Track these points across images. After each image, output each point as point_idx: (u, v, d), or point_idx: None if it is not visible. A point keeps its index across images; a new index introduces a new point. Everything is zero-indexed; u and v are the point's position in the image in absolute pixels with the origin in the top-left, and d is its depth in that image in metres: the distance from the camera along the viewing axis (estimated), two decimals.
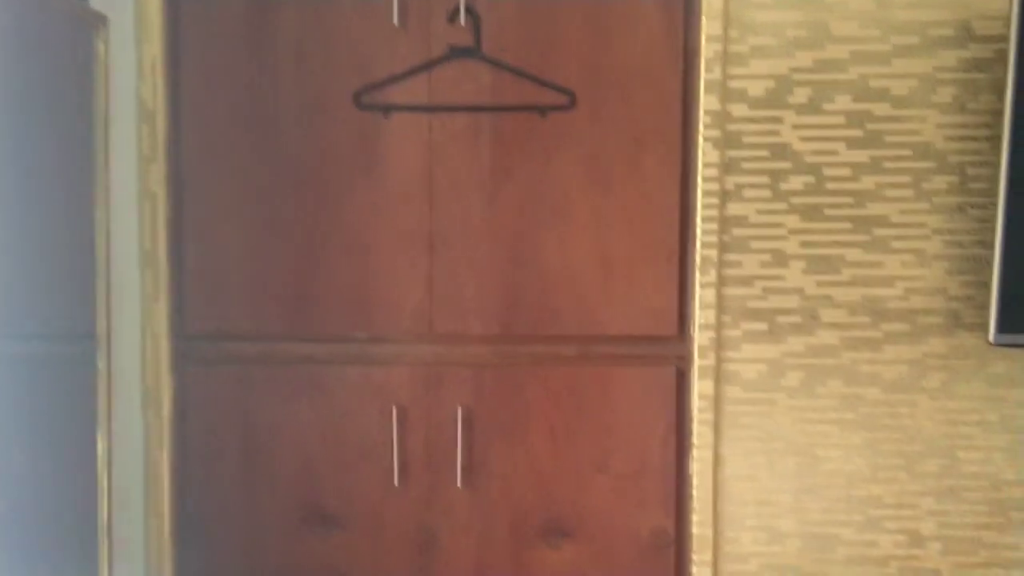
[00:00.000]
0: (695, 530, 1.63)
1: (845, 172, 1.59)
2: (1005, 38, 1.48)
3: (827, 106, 1.58)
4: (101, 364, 1.53)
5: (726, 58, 1.57)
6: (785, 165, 1.59)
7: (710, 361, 1.61)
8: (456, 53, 1.59)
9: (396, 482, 1.65)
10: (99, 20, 1.54)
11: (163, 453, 1.64)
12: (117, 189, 1.59)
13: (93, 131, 1.53)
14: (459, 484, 1.65)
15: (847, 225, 1.59)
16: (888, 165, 1.58)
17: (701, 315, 1.61)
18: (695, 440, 1.62)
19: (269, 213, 1.65)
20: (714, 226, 1.60)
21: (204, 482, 1.68)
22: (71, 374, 1.57)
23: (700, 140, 1.59)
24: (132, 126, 1.61)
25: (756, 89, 1.58)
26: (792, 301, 1.61)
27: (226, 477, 1.67)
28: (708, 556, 1.63)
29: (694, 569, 1.63)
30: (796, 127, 1.58)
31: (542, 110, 1.61)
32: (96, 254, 1.53)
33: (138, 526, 1.62)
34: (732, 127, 1.58)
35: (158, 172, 1.62)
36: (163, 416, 1.64)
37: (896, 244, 1.59)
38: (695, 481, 1.63)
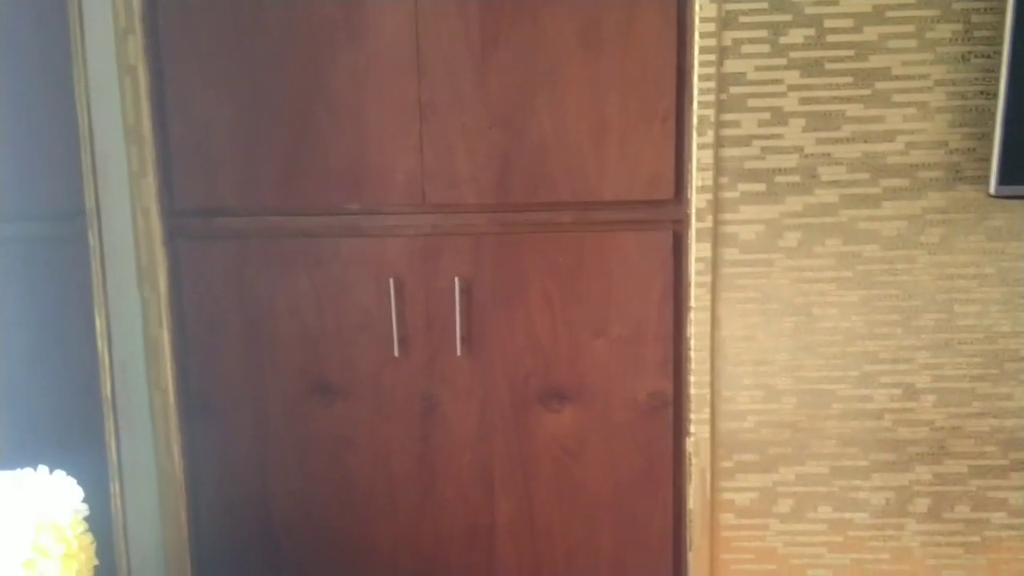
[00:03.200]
0: (693, 390, 1.65)
1: (847, 23, 1.53)
2: None
3: None
4: (92, 241, 1.51)
5: None
6: (785, 17, 1.54)
7: (707, 224, 1.60)
8: None
9: (396, 352, 1.66)
10: None
11: (162, 329, 1.64)
12: (95, 63, 1.54)
13: (66, 2, 1.47)
14: (458, 353, 1.66)
15: (848, 79, 1.55)
16: (891, 15, 1.53)
17: (698, 177, 1.58)
18: (692, 303, 1.62)
19: (254, 83, 1.60)
20: (711, 84, 1.55)
21: (205, 356, 1.69)
22: (64, 253, 1.56)
23: None
24: None
25: None
26: (791, 160, 1.58)
27: (227, 351, 1.68)
28: (706, 415, 1.66)
29: (692, 428, 1.66)
30: None
31: None
32: (79, 131, 1.50)
33: (143, 401, 1.64)
34: None
35: (136, 44, 1.57)
36: (159, 291, 1.64)
37: (897, 98, 1.56)
38: (692, 343, 1.64)
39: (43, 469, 1.11)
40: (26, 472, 1.10)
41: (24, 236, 1.56)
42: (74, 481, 1.08)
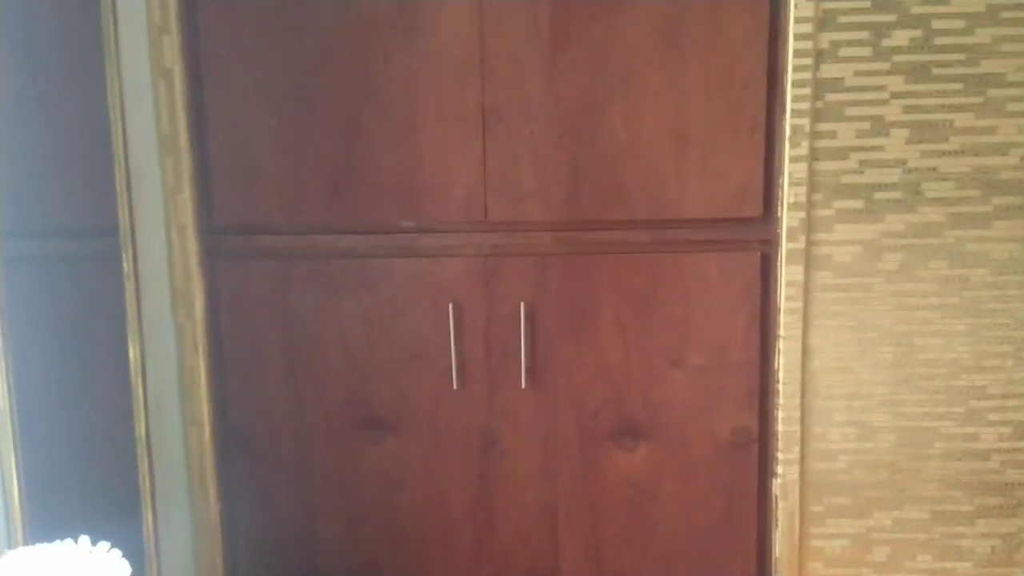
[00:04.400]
0: (780, 427, 1.50)
1: (957, 24, 1.39)
2: None
3: None
4: (126, 263, 1.37)
5: None
6: (888, 18, 1.39)
7: (799, 244, 1.45)
8: None
9: (454, 384, 1.51)
10: None
11: (198, 358, 1.49)
12: (128, 66, 1.39)
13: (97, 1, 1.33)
14: (523, 385, 1.51)
15: (958, 86, 1.41)
16: (1006, 15, 1.39)
17: (790, 193, 1.43)
18: (781, 331, 1.47)
19: (300, 90, 1.46)
20: (806, 91, 1.41)
21: (244, 387, 1.54)
22: (94, 273, 1.42)
23: None
24: None
25: None
26: (892, 175, 1.43)
27: (268, 381, 1.54)
28: (794, 454, 1.51)
29: (779, 468, 1.51)
30: None
31: None
32: (113, 141, 1.35)
33: (176, 437, 1.50)
34: None
35: (172, 44, 1.43)
36: (195, 317, 1.49)
37: (1012, 107, 1.41)
38: (780, 375, 1.49)
39: (84, 540, 0.96)
40: (65, 545, 0.95)
41: (48, 254, 1.41)
42: (119, 554, 0.93)
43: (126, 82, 1.39)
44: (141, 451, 1.39)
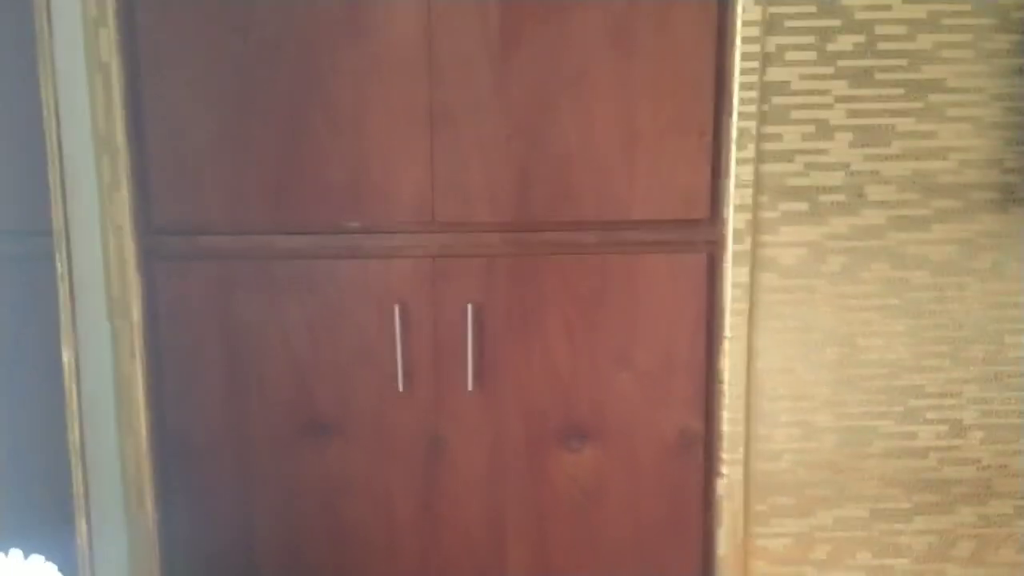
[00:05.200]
0: (725, 427, 1.51)
1: (900, 30, 1.41)
2: None
3: None
4: (60, 264, 1.31)
5: None
6: (833, 23, 1.41)
7: (745, 246, 1.46)
8: None
9: (400, 387, 1.49)
10: None
11: (135, 363, 1.44)
12: (63, 60, 1.34)
13: None
14: (470, 387, 1.50)
15: (899, 91, 1.43)
16: (947, 22, 1.41)
17: (736, 195, 1.44)
18: (727, 332, 1.48)
19: (243, 86, 1.42)
20: (753, 94, 1.42)
21: (183, 393, 1.50)
22: (28, 274, 1.36)
23: None
24: None
25: None
26: (836, 178, 1.45)
27: (208, 386, 1.49)
28: (739, 454, 1.52)
29: (724, 468, 1.52)
30: None
31: None
32: (46, 139, 1.30)
33: (111, 445, 1.44)
34: None
35: (108, 38, 1.38)
36: (132, 321, 1.44)
37: (952, 112, 1.44)
38: (726, 376, 1.50)
39: (16, 553, 0.92)
40: None
41: None
42: (54, 568, 0.89)
43: (61, 77, 1.34)
44: (75, 459, 1.34)
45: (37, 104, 1.29)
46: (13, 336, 1.33)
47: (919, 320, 1.49)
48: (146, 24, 1.40)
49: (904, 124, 1.44)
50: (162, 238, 1.46)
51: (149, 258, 1.45)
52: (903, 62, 1.42)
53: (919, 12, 1.41)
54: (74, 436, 1.33)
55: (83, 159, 1.37)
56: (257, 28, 1.40)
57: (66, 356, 1.33)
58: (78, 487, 1.35)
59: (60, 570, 0.99)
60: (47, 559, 0.97)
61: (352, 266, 1.47)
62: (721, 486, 1.53)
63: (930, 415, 1.53)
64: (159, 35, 1.40)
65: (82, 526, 1.36)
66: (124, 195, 1.40)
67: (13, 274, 1.35)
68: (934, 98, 1.43)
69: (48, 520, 1.36)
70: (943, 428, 1.53)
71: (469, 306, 1.47)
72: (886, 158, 1.45)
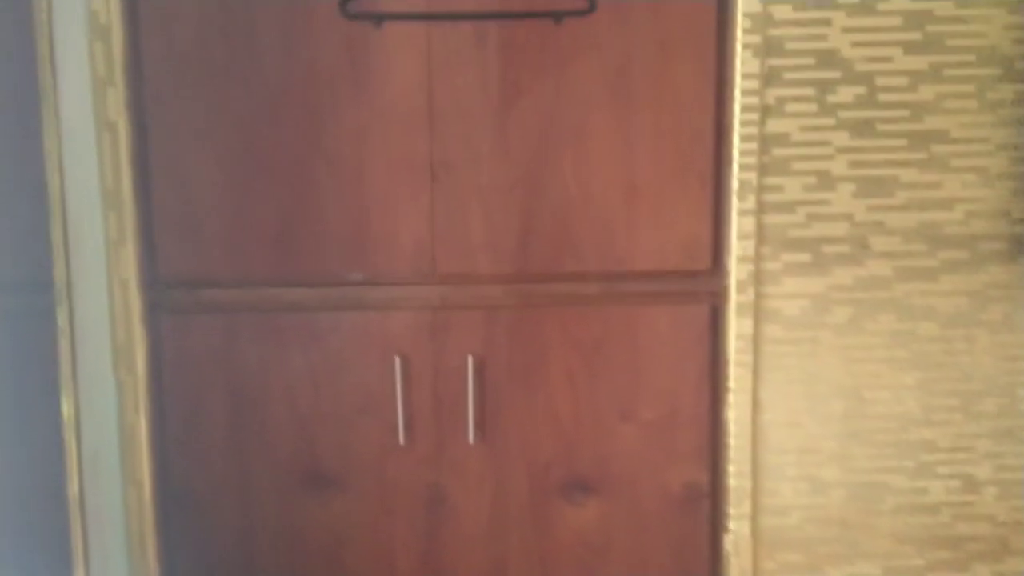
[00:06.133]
0: (731, 482, 1.49)
1: (901, 81, 1.41)
2: None
3: (882, 5, 1.39)
4: (62, 321, 1.33)
5: None
6: (833, 75, 1.40)
7: (748, 297, 1.44)
8: None
9: (401, 439, 1.48)
10: None
11: (139, 415, 1.45)
12: (70, 118, 1.37)
13: (36, 50, 1.31)
14: (471, 439, 1.49)
15: (902, 142, 1.42)
16: (949, 73, 1.40)
17: (738, 246, 1.43)
18: (731, 384, 1.47)
19: (247, 141, 1.44)
20: (753, 146, 1.41)
21: (186, 444, 1.50)
22: (31, 328, 1.38)
23: (738, 47, 1.40)
24: (84, 43, 1.38)
25: None
26: (839, 228, 1.44)
27: (211, 438, 1.50)
28: (746, 509, 1.49)
29: (730, 523, 1.49)
30: (846, 30, 1.39)
31: (557, 15, 1.40)
32: (49, 194, 1.33)
33: (115, 497, 1.45)
34: (774, 32, 1.39)
35: (117, 97, 1.41)
36: (137, 373, 1.45)
37: (956, 162, 1.42)
38: (731, 429, 1.48)
39: None
40: None
41: None
42: None
43: (68, 134, 1.37)
44: (74, 511, 1.35)
45: (39, 159, 1.31)
46: (16, 389, 1.35)
47: (928, 373, 1.47)
48: (152, 81, 1.43)
49: (908, 175, 1.43)
50: (167, 291, 1.47)
51: (153, 311, 1.47)
52: (905, 113, 1.41)
53: (921, 64, 1.40)
54: (73, 488, 1.34)
55: (90, 215, 1.39)
56: (261, 83, 1.43)
57: (66, 409, 1.34)
58: (76, 539, 1.35)
59: None
60: None
61: (354, 318, 1.48)
62: (728, 542, 1.50)
63: (942, 470, 1.49)
64: (165, 92, 1.43)
65: None
66: (130, 250, 1.42)
67: (18, 328, 1.37)
68: (937, 149, 1.42)
69: (50, 572, 1.37)
70: (956, 483, 1.50)
71: (470, 357, 1.47)
72: (890, 209, 1.43)
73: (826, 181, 1.43)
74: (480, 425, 1.50)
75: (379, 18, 1.41)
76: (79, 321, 1.37)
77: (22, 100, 1.33)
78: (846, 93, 1.41)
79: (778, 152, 1.42)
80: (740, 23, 1.39)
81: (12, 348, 1.35)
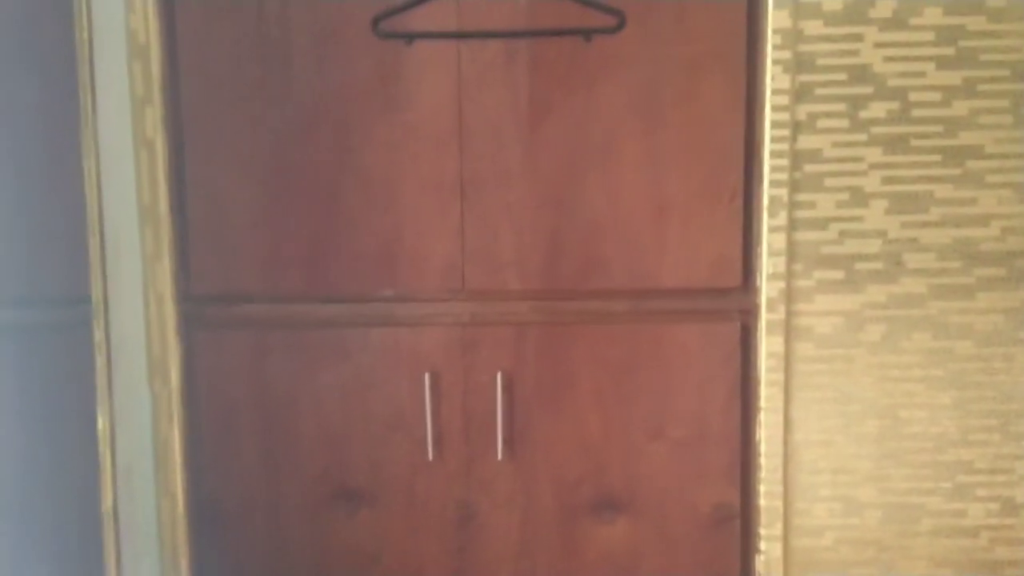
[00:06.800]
0: (763, 502, 1.47)
1: (934, 97, 1.39)
2: None
3: (914, 20, 1.37)
4: (98, 334, 1.36)
5: None
6: (865, 90, 1.39)
7: (779, 315, 1.43)
8: None
9: (430, 455, 1.49)
10: None
11: (173, 428, 1.48)
12: (107, 136, 1.40)
13: (77, 70, 1.35)
14: (499, 456, 1.49)
15: (936, 157, 1.40)
16: (983, 88, 1.39)
17: (769, 263, 1.42)
18: (762, 403, 1.45)
19: (280, 159, 1.47)
20: (784, 162, 1.41)
21: (219, 458, 1.52)
22: (69, 342, 1.41)
23: (768, 63, 1.39)
24: (122, 63, 1.41)
25: (833, 2, 1.37)
26: (873, 245, 1.42)
27: (243, 452, 1.52)
28: (777, 530, 1.47)
29: (762, 544, 1.47)
30: (878, 45, 1.38)
31: (586, 33, 1.41)
32: (87, 210, 1.36)
33: (148, 509, 1.47)
34: (805, 47, 1.38)
35: (154, 115, 1.44)
36: (171, 387, 1.47)
37: (992, 178, 1.40)
38: (762, 448, 1.46)
39: None
40: None
41: (24, 323, 1.41)
42: None
43: (107, 151, 1.40)
44: (108, 523, 1.37)
45: (77, 177, 1.35)
46: (52, 402, 1.38)
47: (964, 392, 1.44)
48: (189, 100, 1.46)
49: (942, 191, 1.41)
50: (201, 306, 1.50)
51: (188, 326, 1.50)
52: (939, 128, 1.39)
53: (954, 79, 1.38)
54: (107, 500, 1.36)
55: (127, 230, 1.42)
56: (294, 102, 1.45)
57: (101, 422, 1.36)
58: (110, 551, 1.37)
59: None
60: None
61: (384, 334, 1.49)
62: (760, 563, 1.48)
63: (980, 492, 1.46)
64: (201, 110, 1.46)
65: None
66: (166, 265, 1.45)
67: (55, 342, 1.40)
68: (972, 164, 1.40)
69: None
70: (994, 506, 1.46)
71: (499, 374, 1.47)
72: (924, 225, 1.41)
73: (859, 197, 1.41)
74: (509, 442, 1.49)
75: (410, 37, 1.43)
76: (115, 335, 1.40)
77: (62, 118, 1.36)
78: (878, 108, 1.40)
79: (810, 168, 1.41)
80: (770, 39, 1.38)
81: (49, 361, 1.38)
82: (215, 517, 1.53)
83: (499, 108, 1.44)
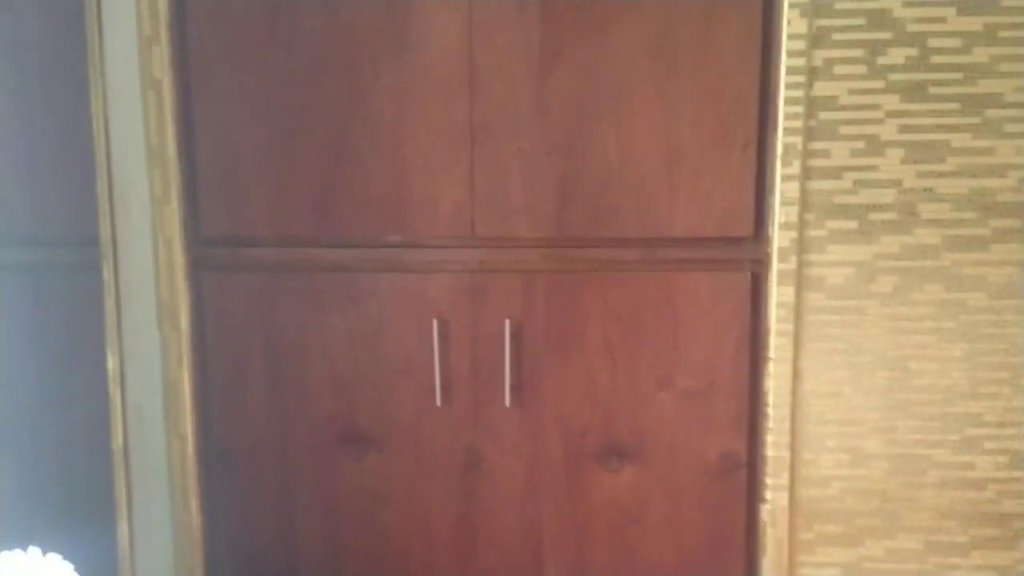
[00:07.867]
0: (770, 452, 1.47)
1: (954, 43, 1.36)
2: None
3: None
4: (107, 275, 1.36)
5: None
6: (884, 35, 1.36)
7: (791, 265, 1.42)
8: None
9: (438, 401, 1.49)
10: None
11: (183, 370, 1.48)
12: (115, 76, 1.39)
13: (83, 8, 1.33)
14: (507, 403, 1.49)
15: (954, 106, 1.38)
16: (1004, 35, 1.36)
17: (782, 212, 1.41)
18: (772, 353, 1.44)
19: (289, 101, 1.45)
20: (799, 109, 1.38)
21: (228, 400, 1.53)
22: (78, 283, 1.41)
23: (785, 7, 1.36)
24: (130, 2, 1.40)
25: None
26: (887, 195, 1.40)
27: (252, 395, 1.52)
28: (784, 480, 1.47)
29: (768, 493, 1.48)
30: None
31: None
32: (95, 151, 1.35)
33: (159, 450, 1.48)
34: None
35: (162, 55, 1.43)
36: (181, 329, 1.48)
37: (1010, 127, 1.38)
38: (770, 398, 1.46)
39: (35, 551, 0.95)
40: (14, 555, 0.94)
41: (34, 263, 1.42)
42: (71, 568, 0.92)
43: (114, 92, 1.39)
44: (118, 461, 1.38)
45: (85, 117, 1.34)
46: (64, 343, 1.39)
47: (976, 344, 1.43)
48: (196, 40, 1.44)
49: (960, 140, 1.38)
50: (210, 249, 1.50)
51: (196, 268, 1.50)
52: (958, 76, 1.37)
53: (975, 25, 1.35)
54: (117, 441, 1.38)
55: (135, 172, 1.42)
56: (302, 44, 1.43)
57: (111, 362, 1.37)
58: (120, 491, 1.39)
59: (95, 570, 1.02)
60: (79, 558, 1.00)
61: (392, 279, 1.49)
62: (765, 512, 1.49)
63: (988, 445, 1.46)
64: (209, 51, 1.44)
65: (124, 527, 1.40)
66: (174, 207, 1.45)
67: (65, 282, 1.41)
68: (991, 113, 1.37)
69: (94, 519, 1.40)
70: (1003, 459, 1.46)
71: (507, 321, 1.47)
72: (940, 175, 1.39)
73: (874, 146, 1.39)
74: (516, 389, 1.50)
75: None
76: (124, 277, 1.40)
77: (69, 59, 1.35)
78: (897, 55, 1.37)
79: (825, 116, 1.39)
80: None
81: (58, 301, 1.38)
82: (225, 458, 1.54)
83: (511, 51, 1.42)
